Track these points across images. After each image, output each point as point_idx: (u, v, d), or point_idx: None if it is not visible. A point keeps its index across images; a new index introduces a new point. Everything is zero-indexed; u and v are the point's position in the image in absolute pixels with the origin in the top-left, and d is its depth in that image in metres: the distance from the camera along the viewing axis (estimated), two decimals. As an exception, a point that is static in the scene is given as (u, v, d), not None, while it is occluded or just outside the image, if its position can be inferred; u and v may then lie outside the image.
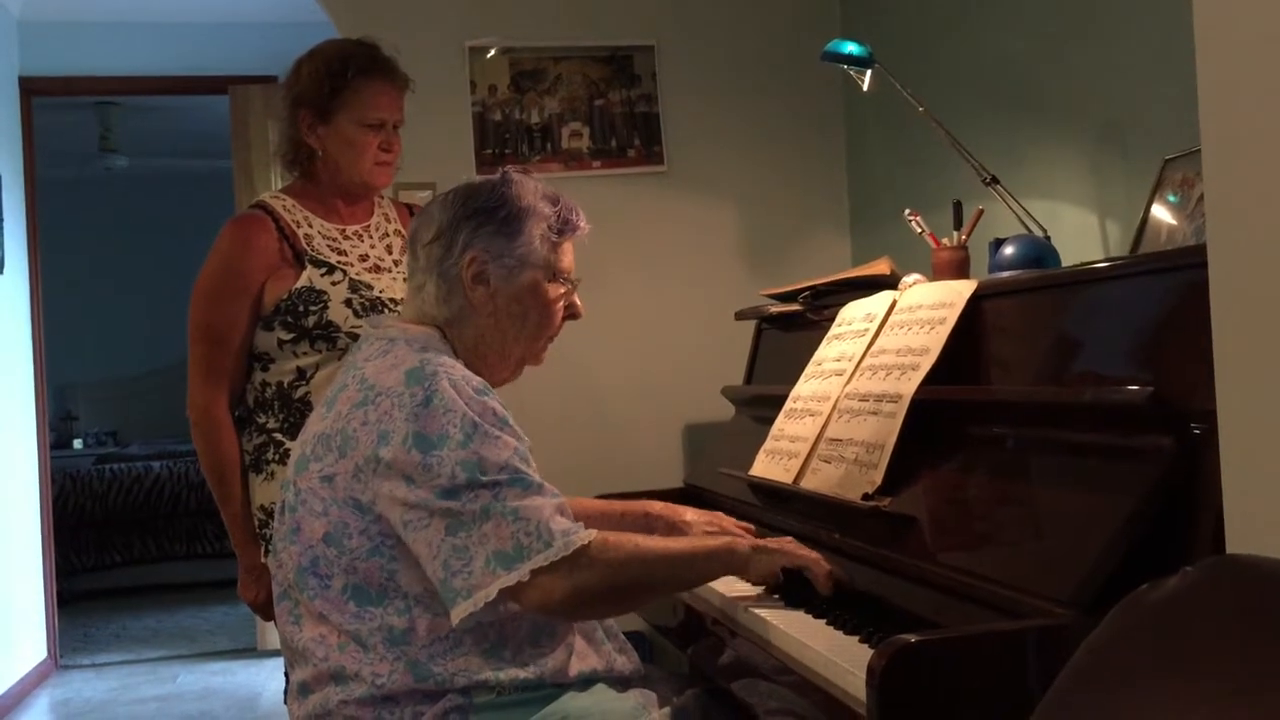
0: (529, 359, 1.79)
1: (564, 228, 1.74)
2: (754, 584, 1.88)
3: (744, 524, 2.07)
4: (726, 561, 1.74)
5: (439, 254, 1.70)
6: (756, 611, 1.80)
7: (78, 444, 8.05)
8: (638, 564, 1.59)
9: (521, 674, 1.57)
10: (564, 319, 1.79)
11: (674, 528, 2.03)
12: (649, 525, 2.03)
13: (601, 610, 1.64)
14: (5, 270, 4.74)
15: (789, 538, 1.86)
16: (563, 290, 1.76)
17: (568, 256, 1.77)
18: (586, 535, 1.53)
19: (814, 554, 1.80)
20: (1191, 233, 1.99)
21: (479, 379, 1.61)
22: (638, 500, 2.15)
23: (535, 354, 1.79)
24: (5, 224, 4.75)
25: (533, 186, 1.74)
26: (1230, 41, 1.18)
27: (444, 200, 1.74)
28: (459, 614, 1.50)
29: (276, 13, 5.00)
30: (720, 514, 2.10)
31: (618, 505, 2.11)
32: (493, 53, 3.53)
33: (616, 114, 3.60)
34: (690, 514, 2.07)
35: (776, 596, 1.87)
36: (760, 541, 1.81)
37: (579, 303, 1.80)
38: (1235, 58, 1.17)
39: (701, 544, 1.74)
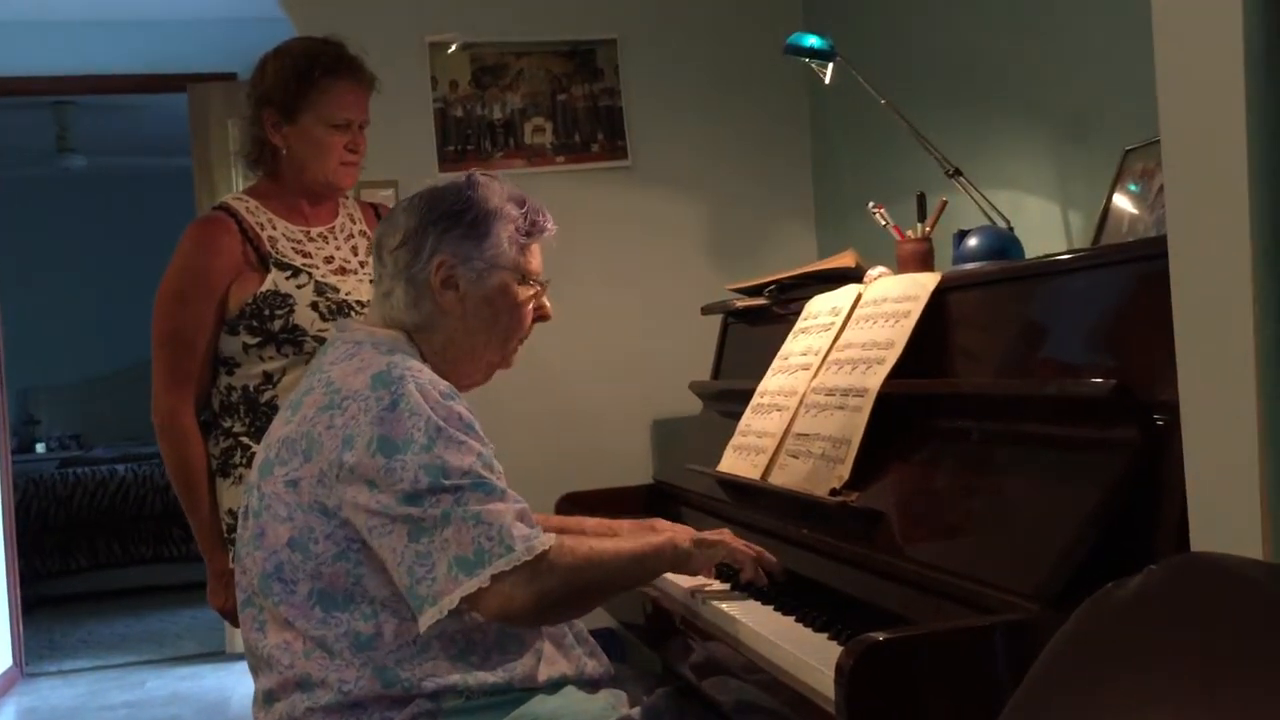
0: (499, 362, 1.78)
1: (532, 229, 1.73)
2: (693, 575, 1.91)
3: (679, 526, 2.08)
4: (671, 557, 1.76)
5: (406, 259, 1.68)
6: (724, 608, 1.80)
7: (40, 448, 7.96)
8: (594, 567, 1.59)
9: (490, 678, 1.56)
10: (533, 321, 1.78)
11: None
12: None
13: (561, 615, 1.63)
14: (-38, 274, 4.68)
15: (726, 530, 1.90)
16: (532, 292, 1.75)
17: (536, 258, 1.76)
18: (546, 540, 1.52)
19: (751, 549, 1.86)
20: (1153, 223, 2.00)
21: (446, 383, 1.60)
22: (573, 517, 2.16)
23: (505, 357, 1.78)
24: (-39, 227, 4.68)
25: (499, 188, 1.73)
26: (1188, 33, 1.18)
27: (409, 205, 1.72)
28: (426, 621, 1.49)
29: (234, 10, 4.95)
30: (656, 520, 2.11)
31: (554, 520, 2.11)
32: (453, 48, 3.51)
33: (579, 108, 3.58)
34: (625, 525, 2.07)
35: (730, 586, 1.90)
36: (700, 536, 1.83)
37: (548, 304, 1.79)
38: (1193, 49, 1.17)
39: (646, 542, 1.76)
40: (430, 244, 1.67)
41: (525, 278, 1.73)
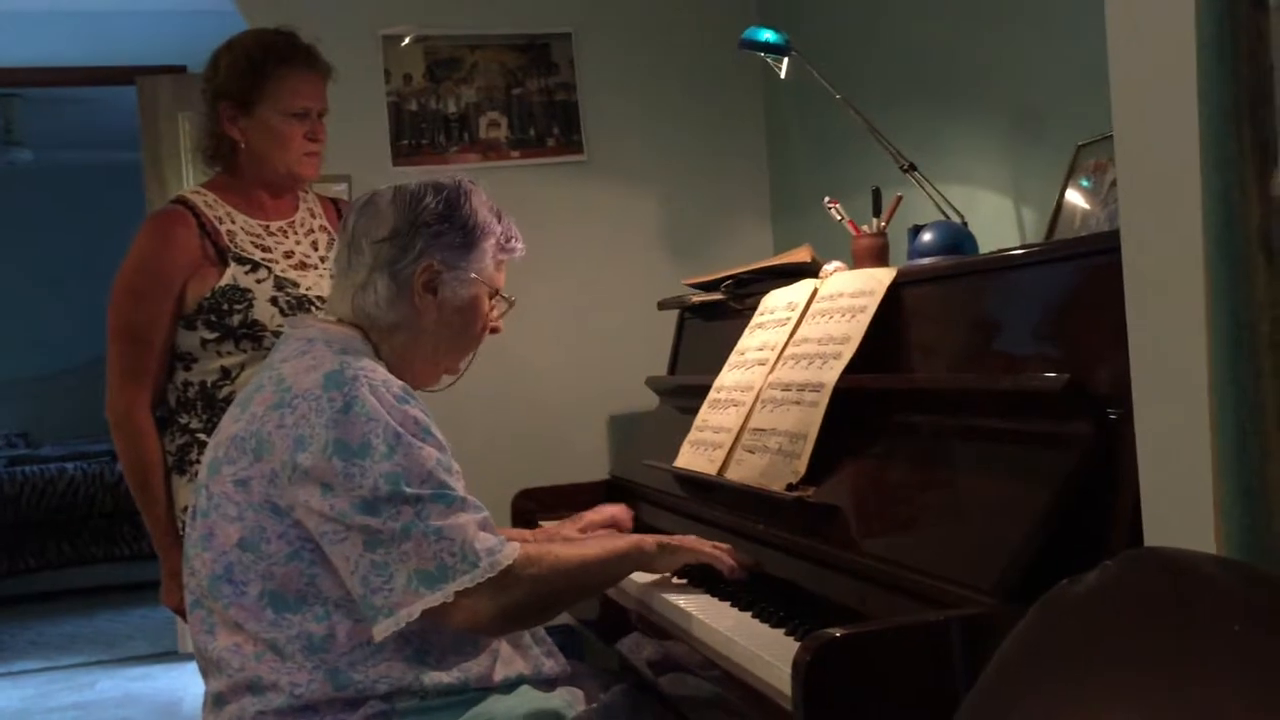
0: (450, 370, 1.79)
1: (507, 245, 1.75)
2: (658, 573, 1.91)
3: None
4: (636, 560, 1.78)
5: (392, 254, 1.67)
6: (680, 604, 1.79)
7: (-13, 446, 7.81)
8: (559, 576, 1.60)
9: (445, 679, 1.55)
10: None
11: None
12: None
13: (528, 623, 1.65)
14: (-96, 269, 4.59)
15: (691, 535, 1.91)
16: (494, 308, 1.77)
17: (504, 275, 1.78)
18: (510, 554, 1.52)
19: (718, 548, 1.84)
20: (1105, 217, 2.01)
21: (400, 383, 1.59)
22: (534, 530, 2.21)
23: (455, 367, 1.80)
24: (-97, 221, 4.59)
25: (487, 200, 1.75)
26: (1141, 27, 1.19)
27: (398, 199, 1.70)
28: (381, 631, 1.48)
29: (183, 2, 4.87)
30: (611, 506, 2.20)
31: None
32: (407, 41, 3.47)
33: (535, 103, 3.56)
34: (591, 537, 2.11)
35: (686, 582, 1.89)
36: (665, 538, 1.84)
37: (501, 322, 1.81)
38: (1146, 43, 1.18)
39: (611, 546, 1.77)
40: (421, 245, 1.67)
41: (495, 294, 1.75)
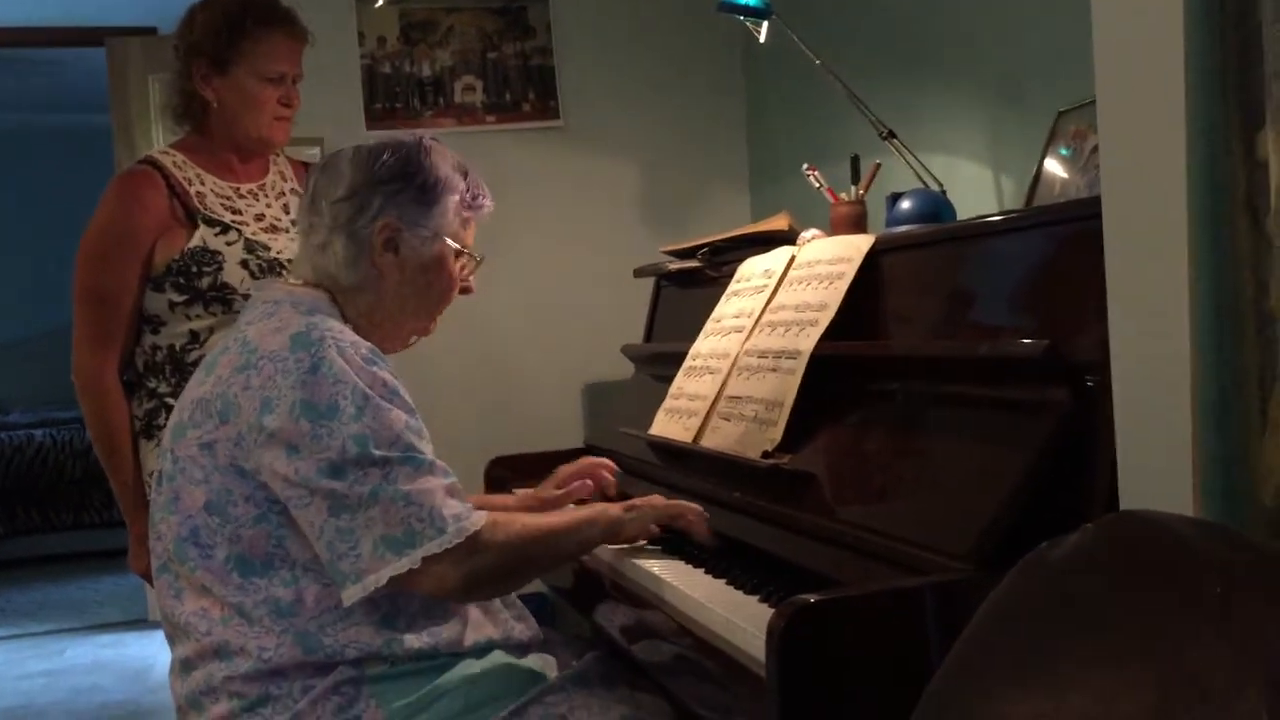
0: (419, 331, 1.76)
1: (473, 203, 1.72)
2: (629, 543, 1.88)
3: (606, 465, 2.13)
4: (603, 526, 1.74)
5: (349, 213, 1.64)
6: (654, 571, 1.78)
7: (-45, 413, 7.74)
8: (527, 543, 1.58)
9: (416, 644, 1.53)
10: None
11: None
12: None
13: (495, 591, 1.63)
14: None
15: (656, 495, 1.88)
16: (462, 265, 1.73)
17: (472, 232, 1.74)
18: (478, 520, 1.50)
19: (685, 505, 1.83)
20: (1084, 185, 2.00)
21: (368, 345, 1.56)
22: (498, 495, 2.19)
23: (425, 327, 1.76)
24: None
25: (449, 157, 1.71)
26: (1125, -10, 1.17)
27: (356, 158, 1.67)
28: (349, 597, 1.46)
29: (153, -40, 4.80)
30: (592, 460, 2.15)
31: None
32: (381, 2, 3.43)
33: (511, 67, 3.52)
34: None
35: (658, 548, 1.88)
36: (630, 502, 1.82)
37: (473, 280, 1.77)
38: (1131, 6, 1.16)
39: (578, 515, 1.74)
40: (378, 203, 1.63)
41: (461, 252, 1.71)
